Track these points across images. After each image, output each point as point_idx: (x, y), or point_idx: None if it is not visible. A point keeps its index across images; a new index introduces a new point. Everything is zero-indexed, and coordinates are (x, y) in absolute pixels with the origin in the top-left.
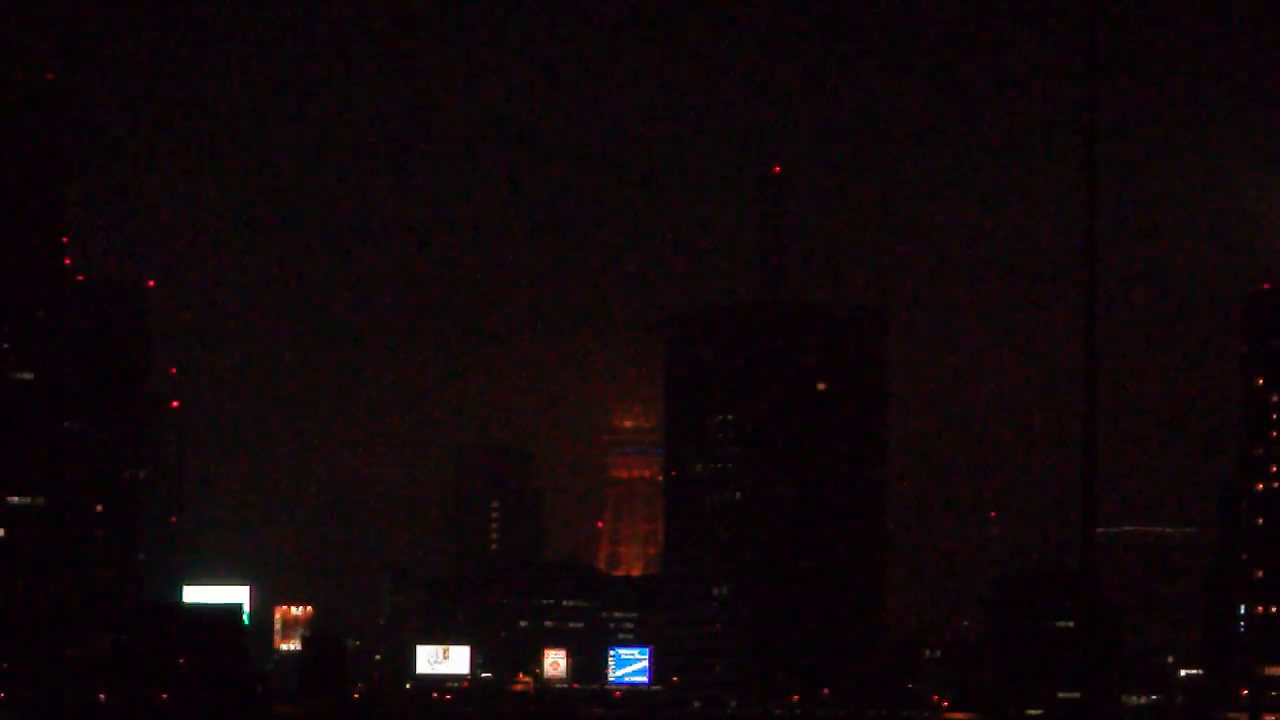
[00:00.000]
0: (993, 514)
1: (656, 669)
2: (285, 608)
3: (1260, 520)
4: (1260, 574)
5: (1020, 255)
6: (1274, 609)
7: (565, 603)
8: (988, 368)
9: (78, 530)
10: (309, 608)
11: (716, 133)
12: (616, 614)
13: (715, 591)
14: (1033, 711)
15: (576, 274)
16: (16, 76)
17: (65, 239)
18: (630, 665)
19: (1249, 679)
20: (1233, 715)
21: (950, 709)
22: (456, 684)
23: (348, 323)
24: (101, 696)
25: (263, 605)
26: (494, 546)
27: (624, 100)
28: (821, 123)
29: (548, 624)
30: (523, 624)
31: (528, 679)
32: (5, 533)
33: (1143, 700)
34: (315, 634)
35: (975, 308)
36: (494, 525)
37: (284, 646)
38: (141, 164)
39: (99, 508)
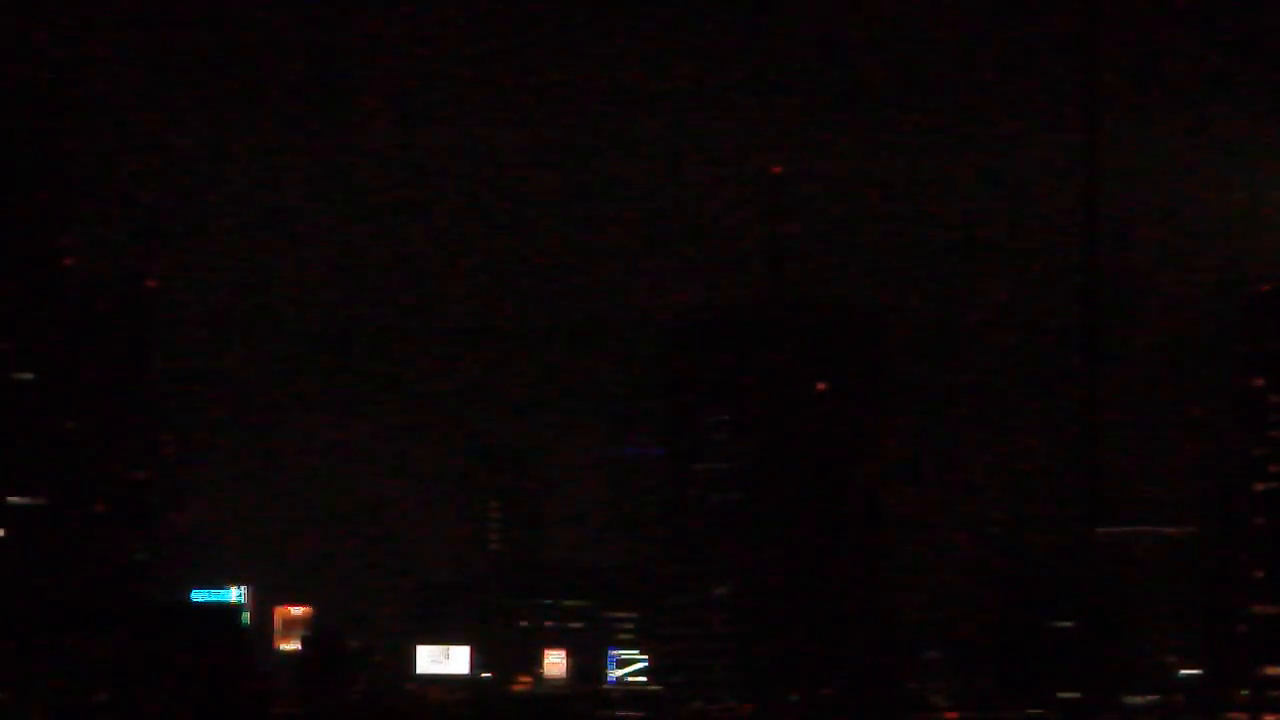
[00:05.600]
0: (993, 513)
1: (656, 669)
2: (285, 608)
3: (1260, 520)
4: (1260, 574)
5: (1020, 255)
6: (1274, 609)
7: (565, 603)
8: (988, 367)
9: (78, 530)
10: (309, 608)
11: (717, 132)
12: (617, 614)
13: (715, 591)
14: (1033, 711)
15: (576, 273)
16: (16, 76)
17: (65, 239)
18: (629, 665)
19: (1249, 679)
20: (1233, 715)
21: (950, 709)
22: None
23: (348, 322)
24: (101, 696)
25: (263, 605)
26: (494, 546)
27: (626, 99)
28: (822, 121)
29: (548, 624)
30: (523, 624)
31: (528, 679)
32: (5, 533)
33: (1143, 700)
34: (315, 634)
35: (976, 307)
36: (494, 525)
37: (284, 646)
38: (142, 164)
39: (99, 508)
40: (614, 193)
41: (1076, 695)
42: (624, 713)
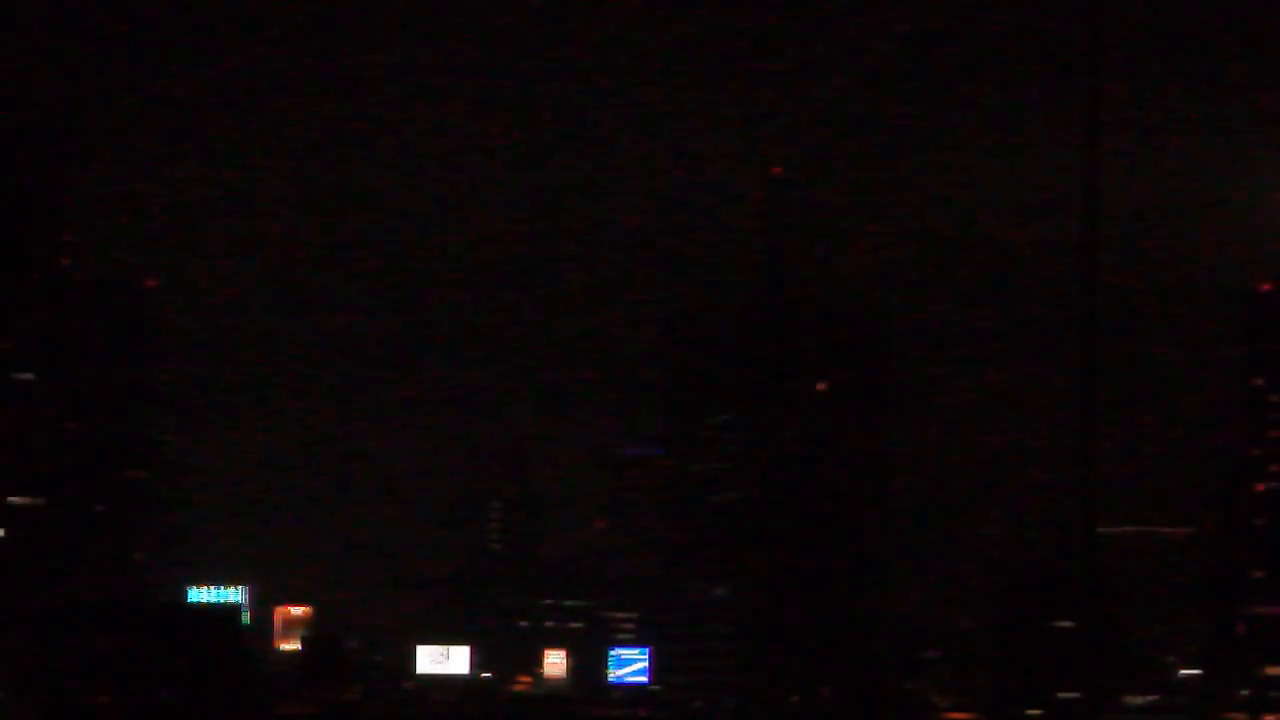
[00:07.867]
0: (993, 514)
1: (656, 669)
2: (285, 608)
3: (1260, 520)
4: (1260, 574)
5: (1020, 254)
6: (1274, 609)
7: (565, 603)
8: (988, 366)
9: (78, 530)
10: (309, 608)
11: (717, 132)
12: (617, 614)
13: (715, 591)
14: (1032, 711)
15: (575, 273)
16: (16, 76)
17: (65, 239)
18: (629, 665)
19: (1249, 679)
20: (1233, 715)
21: (950, 710)
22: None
23: (348, 322)
24: (101, 697)
25: (263, 605)
26: (494, 546)
27: (627, 100)
28: (822, 122)
29: (548, 624)
30: (523, 624)
31: (528, 679)
32: (5, 533)
33: (1143, 700)
34: (315, 634)
35: (975, 307)
36: (494, 525)
37: (284, 646)
38: (142, 164)
39: (99, 508)
40: (615, 193)
41: (1076, 695)
42: (621, 712)
